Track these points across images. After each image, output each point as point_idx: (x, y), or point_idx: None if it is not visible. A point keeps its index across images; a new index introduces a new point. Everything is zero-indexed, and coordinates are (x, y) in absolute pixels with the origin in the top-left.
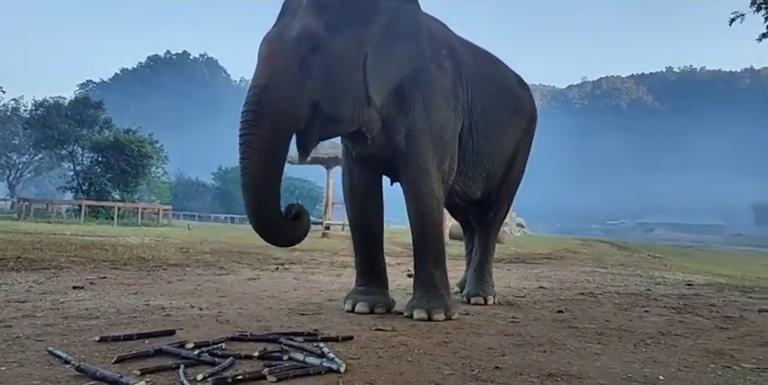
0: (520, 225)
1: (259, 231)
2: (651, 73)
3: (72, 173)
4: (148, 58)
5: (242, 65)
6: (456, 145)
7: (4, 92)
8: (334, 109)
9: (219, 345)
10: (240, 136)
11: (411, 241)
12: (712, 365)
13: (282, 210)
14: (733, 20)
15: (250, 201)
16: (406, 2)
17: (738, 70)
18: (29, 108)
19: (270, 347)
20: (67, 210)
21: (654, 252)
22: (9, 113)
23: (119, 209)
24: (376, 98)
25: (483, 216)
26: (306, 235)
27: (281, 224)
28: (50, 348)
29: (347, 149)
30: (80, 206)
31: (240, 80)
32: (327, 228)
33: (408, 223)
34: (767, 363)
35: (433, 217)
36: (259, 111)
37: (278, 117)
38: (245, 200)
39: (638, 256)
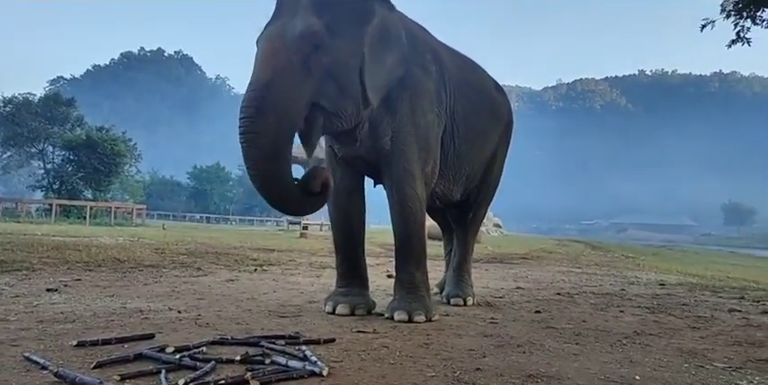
0: (497, 225)
1: (287, 213)
2: (624, 75)
3: (42, 171)
4: (122, 54)
5: (217, 63)
6: (438, 148)
7: None
8: (332, 107)
9: (200, 349)
10: (242, 133)
11: (390, 241)
12: (686, 365)
13: (300, 181)
14: (704, 26)
15: (267, 198)
16: (389, 8)
17: (708, 74)
18: None
19: (251, 351)
20: (37, 210)
21: (627, 252)
22: None
23: (91, 208)
24: (373, 99)
25: (462, 217)
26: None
27: (305, 205)
28: (27, 354)
29: (332, 150)
30: (51, 205)
31: (216, 78)
32: (305, 228)
33: (390, 224)
34: (738, 362)
35: (416, 219)
36: (261, 108)
37: (280, 114)
38: (263, 196)
39: (611, 256)
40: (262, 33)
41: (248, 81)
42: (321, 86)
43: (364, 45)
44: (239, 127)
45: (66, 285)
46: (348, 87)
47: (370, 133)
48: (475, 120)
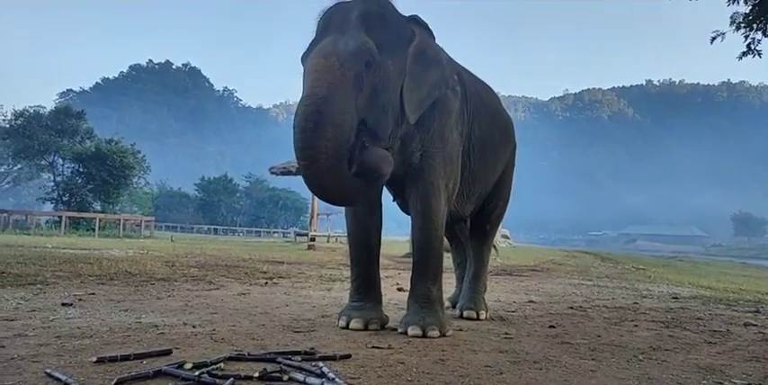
0: (505, 236)
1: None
2: (632, 85)
3: (52, 183)
4: (130, 67)
5: (225, 75)
6: (459, 166)
7: None
8: (377, 125)
9: (218, 366)
10: (300, 149)
11: (396, 253)
12: (704, 381)
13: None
14: (714, 38)
15: (336, 204)
16: (428, 32)
17: (716, 84)
18: (8, 118)
19: (269, 367)
20: (47, 222)
21: (637, 263)
22: None
23: (100, 220)
24: (411, 118)
25: (477, 231)
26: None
27: (365, 195)
28: (48, 370)
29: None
30: (60, 217)
31: (223, 90)
32: (313, 239)
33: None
34: (757, 379)
35: (437, 233)
36: (321, 123)
37: (338, 128)
38: (329, 203)
39: (622, 268)
40: (311, 49)
41: (300, 96)
42: (369, 103)
43: (406, 64)
44: (297, 141)
45: (80, 299)
46: (390, 105)
47: (402, 149)
48: (489, 139)
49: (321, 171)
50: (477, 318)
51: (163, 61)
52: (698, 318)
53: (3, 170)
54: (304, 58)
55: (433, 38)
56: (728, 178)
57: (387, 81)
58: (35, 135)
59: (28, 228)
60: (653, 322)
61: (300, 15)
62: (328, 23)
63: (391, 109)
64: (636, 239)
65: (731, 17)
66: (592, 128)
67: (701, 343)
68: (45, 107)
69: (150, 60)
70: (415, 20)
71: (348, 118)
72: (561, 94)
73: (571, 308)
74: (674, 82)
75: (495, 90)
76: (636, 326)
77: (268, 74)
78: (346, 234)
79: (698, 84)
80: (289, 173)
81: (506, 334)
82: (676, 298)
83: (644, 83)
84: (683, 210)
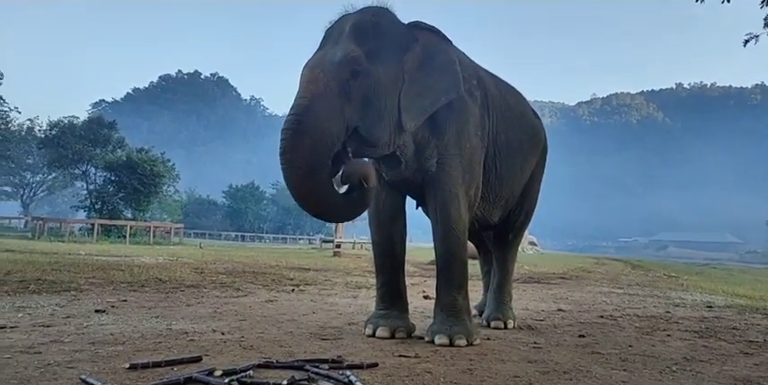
0: (532, 243)
1: (331, 222)
2: (661, 89)
3: (85, 192)
4: (160, 77)
5: (252, 84)
6: (481, 172)
7: (19, 112)
8: (369, 133)
9: (248, 373)
10: (281, 155)
11: (422, 260)
12: None
13: (340, 189)
14: (747, 41)
15: (309, 212)
16: (439, 36)
17: (749, 86)
18: (43, 128)
19: (297, 375)
20: (80, 229)
21: (669, 270)
22: (24, 133)
23: (131, 227)
24: (408, 125)
25: (501, 239)
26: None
27: (347, 213)
28: (83, 376)
29: (377, 173)
30: (93, 225)
31: (250, 99)
32: (338, 246)
33: (433, 246)
34: None
35: (459, 241)
36: (299, 130)
37: (317, 137)
38: (304, 210)
39: (653, 276)
40: (307, 62)
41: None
42: (360, 111)
43: (404, 72)
44: (279, 148)
45: (113, 306)
46: (385, 114)
47: (416, 156)
48: (515, 144)
49: (297, 175)
50: (505, 328)
51: (192, 71)
52: (733, 328)
53: (38, 179)
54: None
55: (448, 42)
56: (763, 183)
57: (378, 89)
58: (69, 145)
59: (62, 236)
60: (686, 332)
61: (325, 26)
62: (328, 35)
63: (388, 116)
64: (667, 246)
65: (765, 19)
66: (620, 132)
67: (736, 354)
68: (78, 117)
69: (179, 70)
70: (418, 26)
71: (330, 126)
72: (589, 99)
73: (601, 317)
74: (706, 85)
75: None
76: (668, 335)
77: (293, 83)
78: (371, 242)
79: (730, 86)
80: None
81: (535, 343)
82: (710, 307)
83: (674, 86)
84: (717, 215)
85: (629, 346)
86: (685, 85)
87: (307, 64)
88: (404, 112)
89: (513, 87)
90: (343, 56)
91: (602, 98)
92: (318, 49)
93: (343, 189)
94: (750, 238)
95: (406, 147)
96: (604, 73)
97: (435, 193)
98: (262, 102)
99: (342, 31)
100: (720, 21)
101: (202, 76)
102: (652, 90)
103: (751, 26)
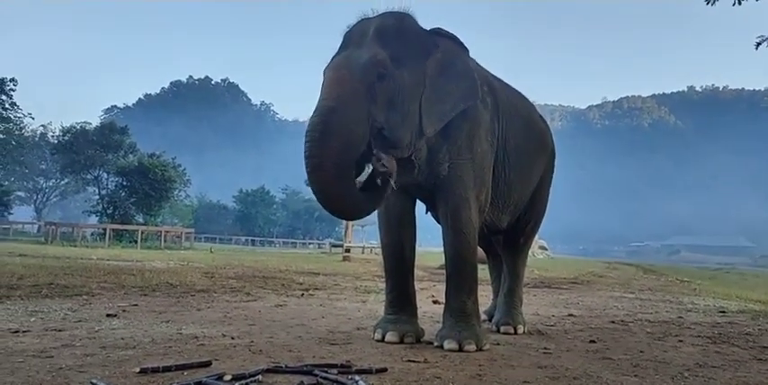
0: (542, 248)
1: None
2: (673, 92)
3: (97, 197)
4: (171, 83)
5: (262, 89)
6: (491, 177)
7: (33, 118)
8: (393, 135)
9: (257, 378)
10: (307, 157)
11: (431, 264)
12: None
13: (359, 183)
14: (759, 43)
15: (333, 214)
16: (457, 44)
17: (762, 89)
18: (56, 134)
19: (306, 380)
20: (92, 234)
21: (681, 275)
22: (37, 139)
23: (142, 232)
24: (428, 130)
25: (511, 244)
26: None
27: (366, 209)
28: (94, 380)
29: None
30: (105, 230)
31: (260, 104)
32: (348, 250)
33: (443, 250)
34: None
35: (469, 245)
36: (326, 132)
37: (344, 139)
38: (328, 212)
39: (665, 280)
40: (328, 63)
41: (313, 107)
42: (383, 114)
43: (426, 77)
44: (304, 151)
45: (124, 310)
46: (408, 117)
47: (429, 160)
48: (524, 149)
49: (325, 179)
50: (515, 333)
51: (202, 77)
52: (746, 334)
53: (51, 184)
54: (324, 72)
55: (466, 50)
56: None
57: (403, 92)
58: (81, 150)
59: (74, 240)
60: (699, 337)
61: (335, 31)
62: (349, 38)
63: (410, 119)
64: (680, 250)
65: None
66: (632, 136)
67: (749, 360)
68: (91, 123)
69: (190, 76)
70: (439, 33)
71: (356, 128)
72: (599, 102)
73: (612, 322)
74: (718, 88)
75: (531, 99)
76: (680, 341)
77: (303, 88)
78: (380, 246)
79: (743, 89)
80: None
81: (545, 348)
82: (723, 312)
83: (685, 89)
84: (729, 219)
85: (641, 352)
86: (697, 88)
87: (331, 65)
88: (425, 117)
89: (520, 93)
90: (370, 58)
91: (613, 101)
92: (339, 52)
93: (365, 175)
94: (764, 242)
95: (420, 151)
96: (615, 76)
97: (447, 198)
98: (272, 108)
99: (365, 34)
100: (733, 23)
101: (213, 82)
102: (663, 93)
103: (763, 28)
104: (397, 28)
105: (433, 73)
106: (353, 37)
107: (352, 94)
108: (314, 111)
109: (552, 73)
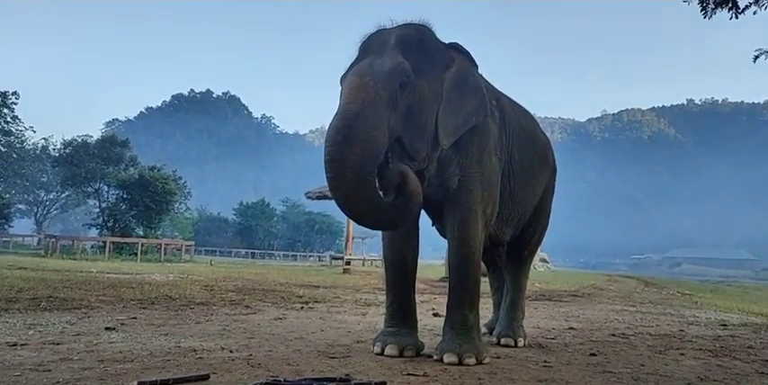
0: (543, 260)
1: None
2: (672, 105)
3: (98, 210)
4: (173, 96)
5: (263, 102)
6: (498, 191)
7: (34, 131)
8: (411, 145)
9: None
10: (328, 162)
11: (431, 276)
12: None
13: (385, 192)
14: (757, 57)
15: (356, 221)
16: (470, 60)
17: (761, 102)
18: (58, 147)
19: None
20: (92, 247)
21: (683, 288)
22: (39, 152)
23: (142, 245)
24: (444, 143)
25: (516, 256)
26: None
27: (397, 220)
28: None
29: None
30: (105, 243)
31: (261, 117)
32: (348, 263)
33: (447, 262)
34: None
35: (474, 258)
36: (350, 137)
37: (367, 145)
38: (352, 219)
39: (666, 293)
40: (348, 70)
41: (335, 112)
42: (404, 123)
43: (443, 90)
44: (326, 155)
45: (122, 323)
46: (425, 128)
47: (439, 173)
48: (528, 163)
49: (347, 184)
50: (515, 346)
51: (204, 90)
52: (749, 347)
53: (52, 197)
54: (342, 79)
55: (476, 66)
56: None
57: (422, 103)
58: (82, 163)
59: (74, 253)
60: (700, 350)
61: (334, 45)
62: (368, 47)
63: (427, 131)
64: (681, 263)
65: None
66: (631, 149)
67: (752, 373)
68: (92, 136)
69: (192, 89)
70: (455, 47)
71: (378, 135)
72: (599, 115)
73: (613, 335)
74: (717, 100)
75: (531, 112)
76: (682, 354)
77: (304, 101)
78: (382, 258)
79: (742, 102)
80: (324, 197)
81: (545, 362)
82: (725, 325)
83: (685, 102)
84: (731, 232)
85: (642, 365)
86: (696, 101)
87: (353, 71)
88: (441, 129)
89: (524, 108)
90: (394, 66)
91: (613, 114)
92: (360, 59)
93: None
94: (765, 255)
95: (431, 163)
96: (614, 89)
97: (455, 210)
98: (273, 121)
99: (385, 43)
100: (731, 36)
101: (214, 95)
102: (663, 106)
103: (761, 41)
104: (418, 39)
105: (448, 86)
106: (373, 46)
107: (375, 99)
108: (336, 116)
109: (551, 86)
